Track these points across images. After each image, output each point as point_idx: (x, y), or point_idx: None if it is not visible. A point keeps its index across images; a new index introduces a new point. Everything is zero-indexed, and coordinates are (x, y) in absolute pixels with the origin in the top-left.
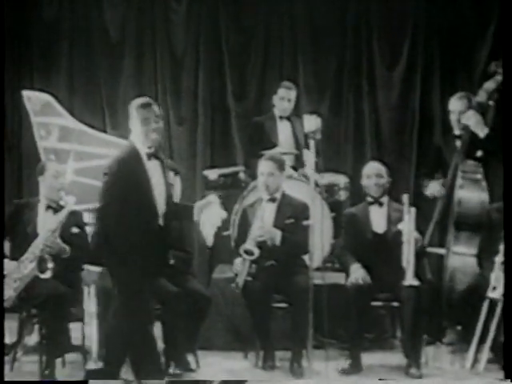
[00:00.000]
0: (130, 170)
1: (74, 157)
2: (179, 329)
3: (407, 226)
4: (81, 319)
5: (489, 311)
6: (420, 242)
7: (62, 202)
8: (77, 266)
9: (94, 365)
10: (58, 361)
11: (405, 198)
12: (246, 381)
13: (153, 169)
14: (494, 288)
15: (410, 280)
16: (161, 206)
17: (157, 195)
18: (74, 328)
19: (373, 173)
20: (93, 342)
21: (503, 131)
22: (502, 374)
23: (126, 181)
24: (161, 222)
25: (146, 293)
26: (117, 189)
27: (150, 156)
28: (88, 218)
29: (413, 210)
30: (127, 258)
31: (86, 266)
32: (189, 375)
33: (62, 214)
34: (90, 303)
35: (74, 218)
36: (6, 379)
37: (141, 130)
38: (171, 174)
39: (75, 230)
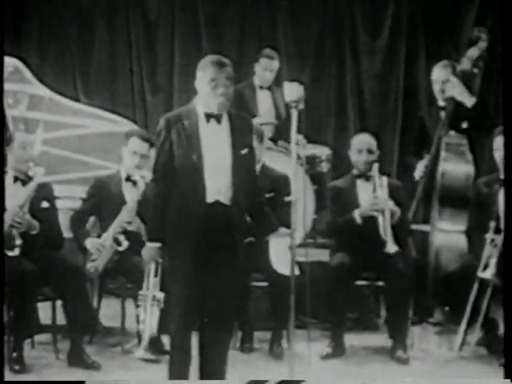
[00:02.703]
0: (178, 129)
1: (43, 126)
2: None
3: (381, 196)
4: (50, 298)
5: (479, 291)
6: (397, 214)
7: (30, 173)
8: (46, 242)
9: (142, 353)
10: (27, 342)
11: (374, 168)
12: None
13: (211, 133)
14: (486, 267)
15: (391, 247)
16: (223, 178)
17: (213, 164)
18: (43, 307)
19: (364, 148)
20: (149, 327)
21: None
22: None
23: (172, 144)
24: (213, 197)
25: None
26: (165, 153)
27: (209, 117)
28: (58, 190)
29: (384, 179)
30: (181, 234)
31: (147, 243)
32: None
33: (31, 187)
34: (150, 282)
35: (44, 191)
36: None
37: (206, 92)
38: (146, 145)
39: (45, 204)
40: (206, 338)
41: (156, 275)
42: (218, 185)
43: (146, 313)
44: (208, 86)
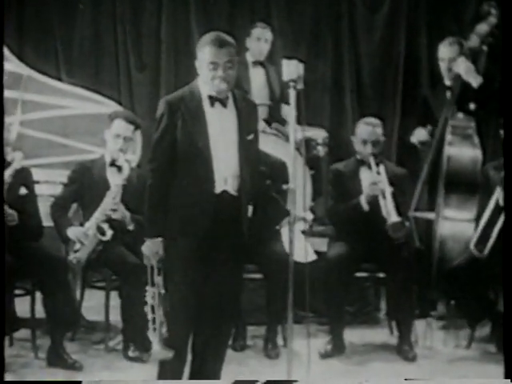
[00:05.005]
0: (181, 114)
1: (21, 107)
2: (138, 302)
3: (380, 178)
4: (29, 292)
5: (486, 283)
6: None
7: (8, 158)
8: (25, 232)
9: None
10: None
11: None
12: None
13: (216, 118)
14: None
15: (393, 218)
16: (230, 167)
17: (220, 152)
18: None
19: (370, 139)
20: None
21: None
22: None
23: (175, 130)
24: (221, 187)
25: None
26: (167, 140)
27: (213, 101)
28: (38, 175)
29: (382, 167)
30: (185, 228)
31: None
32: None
33: (8, 173)
34: (154, 278)
35: (21, 176)
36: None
37: (205, 75)
38: (131, 128)
39: (23, 190)
40: (203, 337)
41: (159, 273)
42: (225, 174)
43: (154, 311)
44: (207, 69)
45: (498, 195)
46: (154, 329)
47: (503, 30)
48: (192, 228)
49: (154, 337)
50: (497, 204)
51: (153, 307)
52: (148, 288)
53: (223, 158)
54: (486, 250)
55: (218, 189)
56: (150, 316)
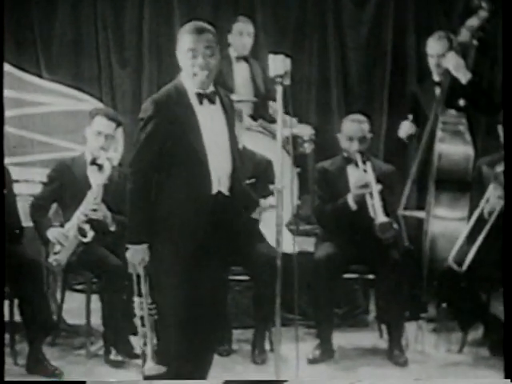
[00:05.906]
0: (171, 115)
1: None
2: (120, 306)
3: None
4: (8, 296)
5: (478, 284)
6: None
7: None
8: (4, 235)
9: (153, 366)
10: None
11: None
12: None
13: (207, 116)
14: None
15: (380, 218)
16: (223, 166)
17: (213, 151)
18: None
19: (356, 136)
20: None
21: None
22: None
23: (165, 132)
24: (216, 188)
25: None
26: (155, 144)
27: (201, 98)
28: (17, 173)
29: (368, 164)
30: (172, 234)
31: (130, 246)
32: (133, 362)
33: None
34: (142, 287)
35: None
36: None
37: (186, 65)
38: (112, 125)
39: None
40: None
41: (146, 280)
42: (219, 173)
43: (144, 324)
44: (187, 57)
45: (490, 192)
46: (145, 343)
47: (503, 23)
48: (188, 232)
49: (146, 351)
50: (481, 215)
51: (142, 318)
52: (135, 299)
53: (217, 156)
54: (465, 266)
55: (214, 190)
56: (140, 329)
